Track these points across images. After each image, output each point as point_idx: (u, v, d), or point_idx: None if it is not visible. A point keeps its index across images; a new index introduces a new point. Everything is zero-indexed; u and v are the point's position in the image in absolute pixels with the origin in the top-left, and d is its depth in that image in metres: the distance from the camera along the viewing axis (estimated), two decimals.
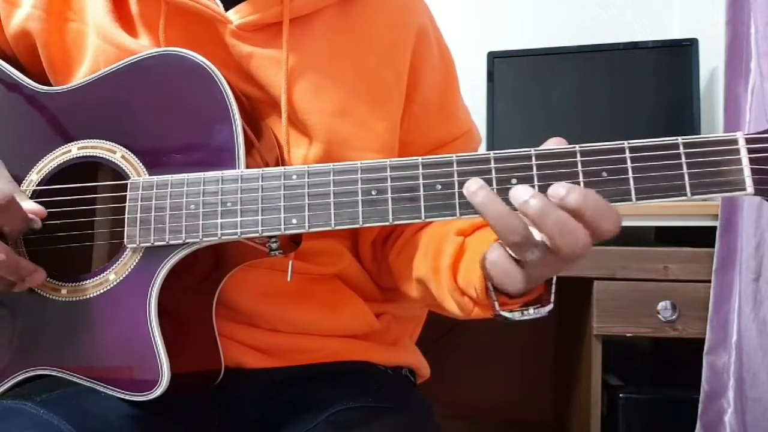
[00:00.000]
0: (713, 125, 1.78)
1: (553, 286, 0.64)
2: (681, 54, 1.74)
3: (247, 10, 0.76)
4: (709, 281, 1.37)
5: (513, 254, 0.57)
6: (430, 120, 0.84)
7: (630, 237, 1.59)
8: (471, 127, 0.90)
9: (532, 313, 0.64)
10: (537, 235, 0.55)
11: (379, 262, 0.87)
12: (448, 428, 0.85)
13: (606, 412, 1.47)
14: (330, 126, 0.76)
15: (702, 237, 1.41)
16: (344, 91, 0.78)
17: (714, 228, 1.38)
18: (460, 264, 0.70)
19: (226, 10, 0.77)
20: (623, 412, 1.45)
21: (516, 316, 0.64)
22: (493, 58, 1.86)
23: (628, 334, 1.40)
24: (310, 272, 0.81)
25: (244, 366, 0.78)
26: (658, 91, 1.78)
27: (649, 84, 1.78)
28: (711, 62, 1.75)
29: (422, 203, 0.59)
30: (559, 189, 0.54)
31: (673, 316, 1.38)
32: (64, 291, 0.70)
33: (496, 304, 0.65)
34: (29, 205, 0.68)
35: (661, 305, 1.38)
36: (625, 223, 1.63)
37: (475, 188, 0.56)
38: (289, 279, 0.75)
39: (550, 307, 0.65)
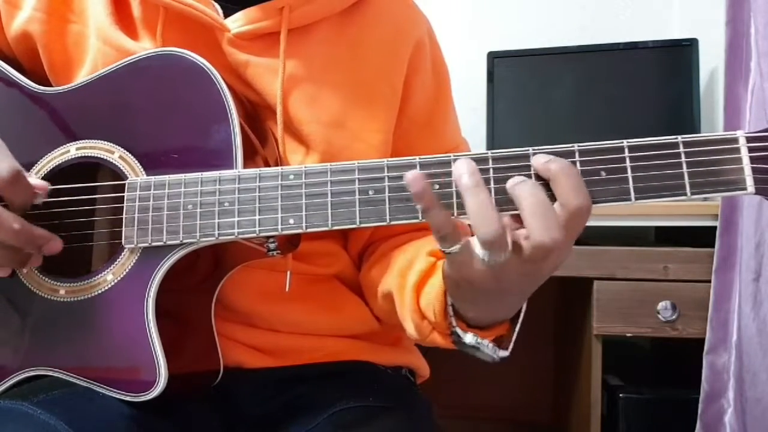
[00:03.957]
0: (713, 125, 1.78)
1: (515, 334, 0.64)
2: (681, 54, 1.75)
3: (245, 18, 0.76)
4: (709, 281, 1.37)
5: (480, 254, 0.55)
6: (416, 134, 0.84)
7: (630, 237, 1.60)
8: (459, 144, 0.89)
9: (486, 345, 0.63)
10: (509, 237, 0.55)
11: None
12: (448, 428, 0.84)
13: (606, 412, 1.47)
14: (325, 136, 0.77)
15: (702, 237, 1.41)
16: (340, 102, 0.78)
17: (714, 228, 1.38)
18: (425, 285, 0.70)
19: (226, 16, 0.77)
20: (623, 412, 1.45)
21: (469, 338, 0.64)
22: (493, 58, 1.86)
23: (628, 334, 1.40)
24: (309, 273, 0.81)
25: (244, 366, 0.78)
26: (658, 91, 1.78)
27: (649, 84, 1.78)
28: (711, 62, 1.75)
29: None
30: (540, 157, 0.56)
31: (673, 316, 1.37)
32: (62, 291, 0.70)
33: (453, 320, 0.65)
34: (34, 181, 0.68)
35: (661, 305, 1.38)
36: (625, 223, 1.63)
37: (464, 170, 0.55)
38: (287, 289, 0.75)
39: (505, 354, 0.64)
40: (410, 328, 0.72)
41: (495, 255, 0.55)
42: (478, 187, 0.55)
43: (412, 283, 0.71)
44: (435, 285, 0.67)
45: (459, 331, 0.65)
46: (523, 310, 0.65)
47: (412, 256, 0.75)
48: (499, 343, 0.65)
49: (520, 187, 0.55)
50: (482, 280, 0.57)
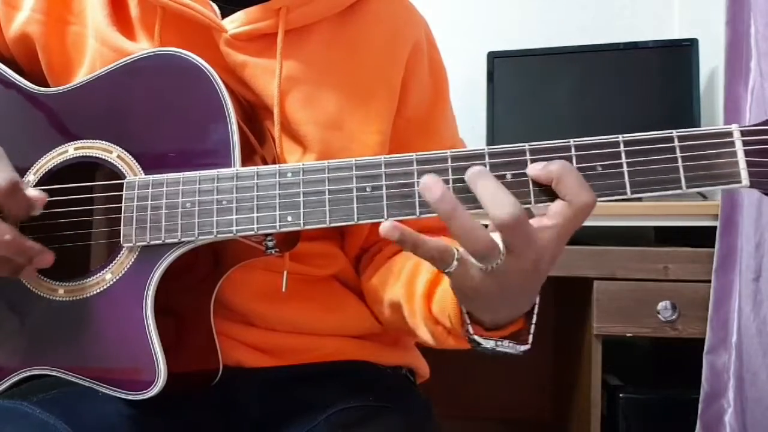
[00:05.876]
0: (713, 125, 1.77)
1: (533, 326, 0.64)
2: (681, 54, 1.75)
3: (242, 19, 0.76)
4: (709, 281, 1.37)
5: (476, 262, 0.56)
6: (412, 135, 0.83)
7: (630, 237, 1.59)
8: (455, 143, 0.89)
9: (506, 346, 0.63)
10: (499, 241, 0.55)
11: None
12: (448, 428, 0.84)
13: (606, 412, 1.47)
14: (322, 137, 0.77)
15: (702, 237, 1.41)
16: (337, 104, 0.78)
17: (714, 228, 1.37)
18: (435, 291, 0.70)
19: (224, 17, 0.77)
20: (623, 412, 1.45)
21: (489, 344, 0.63)
22: (493, 58, 1.86)
23: (628, 334, 1.40)
24: (306, 274, 0.81)
25: (244, 365, 0.78)
26: (658, 91, 1.78)
27: (649, 84, 1.78)
28: (711, 62, 1.75)
29: (417, 199, 0.59)
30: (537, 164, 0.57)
31: (673, 316, 1.37)
32: (61, 291, 0.70)
33: (470, 327, 0.64)
34: (31, 192, 0.68)
35: (661, 305, 1.38)
36: (625, 223, 1.63)
37: (431, 183, 0.55)
38: (283, 289, 0.75)
39: (526, 347, 0.64)
40: (425, 335, 0.72)
41: (489, 261, 0.55)
42: (452, 202, 0.55)
43: (421, 292, 0.71)
44: (446, 292, 0.67)
45: (477, 338, 0.64)
46: (537, 303, 0.64)
47: (416, 263, 0.75)
48: (517, 337, 0.65)
49: (475, 183, 0.56)
50: (485, 287, 0.57)
